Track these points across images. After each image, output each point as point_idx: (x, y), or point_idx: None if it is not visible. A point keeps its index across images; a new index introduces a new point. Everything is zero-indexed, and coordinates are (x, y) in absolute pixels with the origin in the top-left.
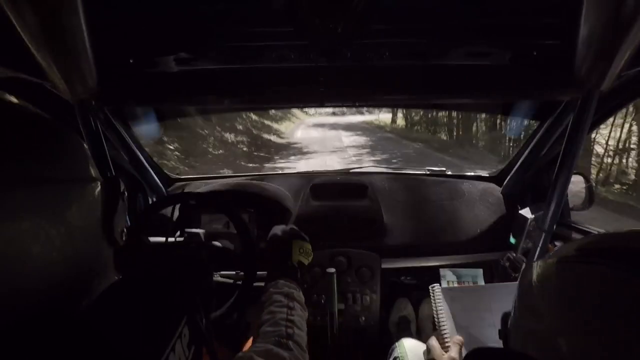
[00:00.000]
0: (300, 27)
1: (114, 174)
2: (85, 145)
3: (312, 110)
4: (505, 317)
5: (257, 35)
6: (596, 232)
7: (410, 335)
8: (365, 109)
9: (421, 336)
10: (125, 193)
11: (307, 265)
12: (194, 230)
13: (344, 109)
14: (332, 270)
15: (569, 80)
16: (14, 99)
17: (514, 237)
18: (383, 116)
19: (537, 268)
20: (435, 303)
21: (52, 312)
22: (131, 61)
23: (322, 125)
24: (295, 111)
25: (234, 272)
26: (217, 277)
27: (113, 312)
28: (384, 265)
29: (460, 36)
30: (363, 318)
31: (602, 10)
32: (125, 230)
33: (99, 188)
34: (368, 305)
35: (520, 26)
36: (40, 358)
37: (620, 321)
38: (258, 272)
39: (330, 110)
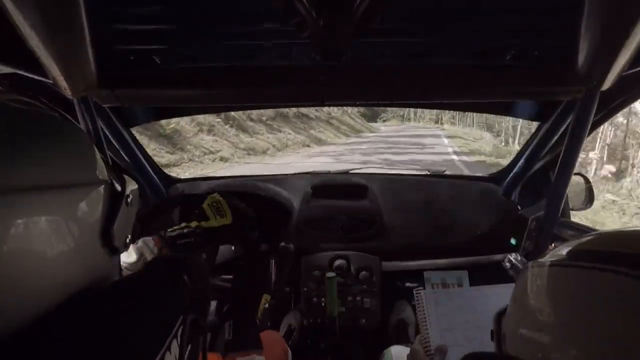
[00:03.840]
0: (301, 26)
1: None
2: (94, 146)
3: None
4: (498, 317)
5: (258, 33)
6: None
7: (407, 338)
8: None
9: None
10: (131, 196)
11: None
12: None
13: None
14: (332, 274)
15: (569, 80)
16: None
17: (515, 238)
18: None
19: (531, 270)
20: (418, 307)
21: (54, 312)
22: (132, 58)
23: None
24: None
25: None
26: (216, 281)
27: (111, 310)
28: (384, 268)
29: (462, 35)
30: (363, 321)
31: (604, 10)
32: (129, 237)
33: (102, 190)
34: (368, 308)
35: (521, 26)
36: (38, 355)
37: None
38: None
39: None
